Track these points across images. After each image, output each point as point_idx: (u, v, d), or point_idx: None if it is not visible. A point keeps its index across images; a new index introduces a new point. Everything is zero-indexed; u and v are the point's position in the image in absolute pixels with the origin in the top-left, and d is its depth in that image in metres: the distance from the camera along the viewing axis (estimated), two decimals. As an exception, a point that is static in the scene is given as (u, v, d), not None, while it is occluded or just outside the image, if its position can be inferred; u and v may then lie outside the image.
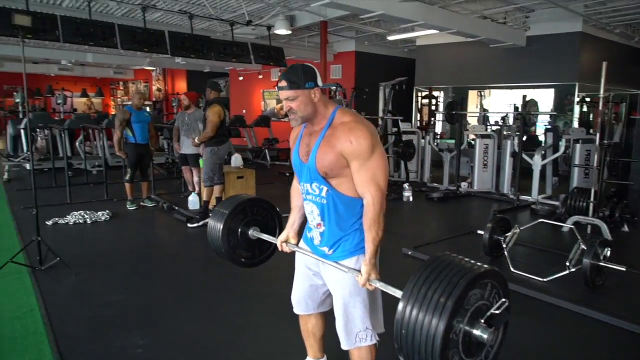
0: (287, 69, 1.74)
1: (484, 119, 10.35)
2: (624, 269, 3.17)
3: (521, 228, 3.85)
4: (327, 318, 2.03)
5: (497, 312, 1.32)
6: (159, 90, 17.39)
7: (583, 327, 2.88)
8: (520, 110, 6.16)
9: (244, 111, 14.50)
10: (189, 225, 5.08)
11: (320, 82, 1.74)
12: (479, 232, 4.00)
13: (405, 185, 6.68)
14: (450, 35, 8.69)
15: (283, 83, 1.71)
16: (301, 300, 2.04)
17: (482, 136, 7.17)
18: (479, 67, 10.01)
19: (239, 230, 2.19)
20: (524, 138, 6.39)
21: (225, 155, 5.28)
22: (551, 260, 3.87)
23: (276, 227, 2.31)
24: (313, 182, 1.77)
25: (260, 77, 14.13)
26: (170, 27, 9.42)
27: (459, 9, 8.14)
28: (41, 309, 2.93)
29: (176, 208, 5.73)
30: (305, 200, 1.86)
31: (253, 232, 2.20)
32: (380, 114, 8.16)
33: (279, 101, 14.35)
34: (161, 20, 9.73)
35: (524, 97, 6.03)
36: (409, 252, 4.15)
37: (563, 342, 2.73)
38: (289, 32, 8.94)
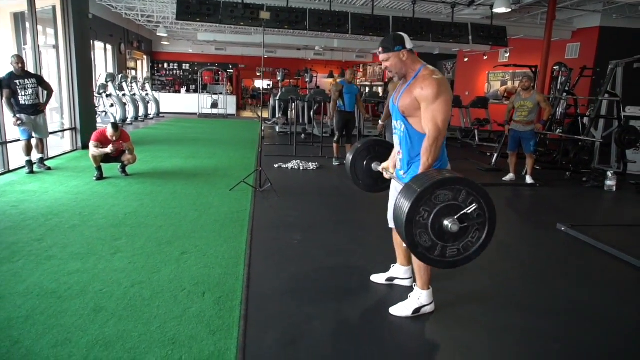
0: (382, 38, 2.41)
1: None
2: None
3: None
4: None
5: (468, 211, 1.76)
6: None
7: None
8: None
9: (467, 93, 14.53)
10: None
11: (408, 45, 2.34)
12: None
13: (609, 174, 6.00)
14: None
15: (380, 49, 2.38)
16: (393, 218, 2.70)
17: None
18: None
19: (364, 163, 2.99)
20: None
21: None
22: None
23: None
24: (397, 120, 2.40)
25: (485, 57, 13.86)
26: (396, 12, 10.38)
27: None
28: (251, 210, 4.39)
29: (368, 168, 6.78)
30: (393, 134, 2.50)
31: (375, 165, 2.96)
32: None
33: (503, 83, 13.81)
34: (388, 6, 10.77)
35: None
36: (563, 229, 4.08)
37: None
38: (509, 10, 8.70)
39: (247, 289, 2.68)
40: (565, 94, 8.44)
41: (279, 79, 14.11)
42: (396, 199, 1.92)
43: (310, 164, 6.89)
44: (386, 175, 2.67)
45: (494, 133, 11.09)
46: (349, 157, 3.01)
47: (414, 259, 2.45)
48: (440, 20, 9.81)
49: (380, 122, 6.02)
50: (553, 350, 2.24)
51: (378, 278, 2.90)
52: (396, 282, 2.85)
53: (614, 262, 3.46)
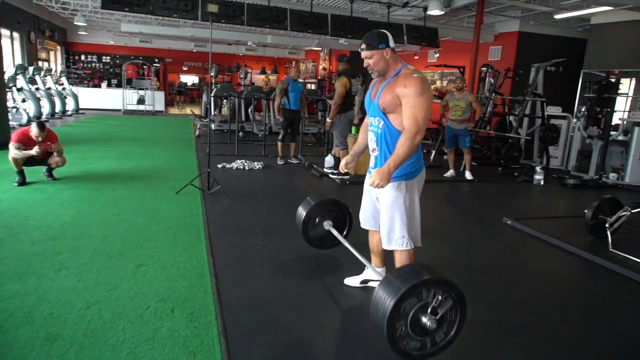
0: (366, 35, 2.36)
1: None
2: None
3: (632, 211, 3.71)
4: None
5: (436, 305, 1.86)
6: (324, 69, 19.00)
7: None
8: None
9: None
10: (330, 176, 6.04)
11: (391, 44, 2.32)
12: (585, 211, 3.96)
13: (537, 168, 6.50)
14: (633, 12, 7.77)
15: (363, 46, 2.34)
16: (366, 218, 2.66)
17: (642, 124, 6.44)
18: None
19: (317, 219, 3.11)
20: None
21: (351, 121, 6.01)
22: (665, 249, 3.64)
23: (346, 227, 3.18)
24: (375, 116, 2.36)
25: (416, 57, 14.42)
26: (333, 10, 10.42)
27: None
28: (203, 214, 4.14)
29: (314, 166, 6.74)
30: (369, 130, 2.46)
31: (326, 225, 3.00)
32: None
33: (432, 82, 14.45)
34: (326, 4, 10.80)
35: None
36: (508, 222, 4.33)
37: (633, 316, 2.77)
38: (442, 12, 9.10)
39: (219, 302, 2.50)
40: (494, 94, 9.00)
41: (212, 74, 13.58)
42: (375, 295, 1.95)
43: (255, 163, 6.70)
44: (345, 169, 2.62)
45: (428, 130, 11.58)
46: (302, 212, 3.11)
47: (397, 258, 2.43)
48: (376, 20, 10.02)
49: (328, 119, 5.99)
50: (513, 343, 2.34)
51: (352, 281, 2.86)
52: (371, 284, 2.82)
53: (558, 252, 3.72)
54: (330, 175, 6.07)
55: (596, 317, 2.67)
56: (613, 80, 8.47)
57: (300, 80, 7.58)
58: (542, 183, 6.42)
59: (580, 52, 10.23)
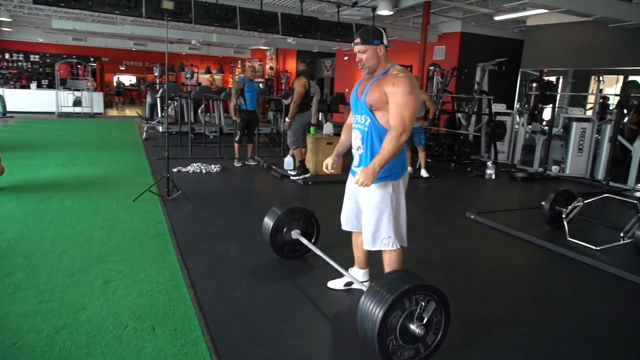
0: (360, 30, 2.34)
1: (602, 106, 9.65)
2: (678, 243, 3.21)
3: (585, 201, 3.96)
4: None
5: (420, 310, 1.89)
6: (271, 68, 18.81)
7: (629, 291, 3.06)
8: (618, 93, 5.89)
9: (346, 90, 15.16)
10: (292, 178, 5.96)
11: (385, 42, 2.30)
12: (542, 203, 4.18)
13: (489, 163, 6.80)
14: (564, 15, 8.32)
15: (357, 40, 2.31)
16: (349, 220, 2.62)
17: (580, 120, 6.92)
18: (595, 49, 9.36)
19: (284, 229, 3.07)
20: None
21: (308, 122, 5.97)
22: (610, 234, 3.91)
23: (314, 233, 3.18)
24: (362, 114, 2.34)
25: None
26: (283, 9, 10.31)
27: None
28: (167, 222, 3.92)
29: (274, 167, 6.63)
30: (353, 128, 2.43)
31: (294, 234, 2.97)
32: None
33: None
34: (275, 3, 10.67)
35: (625, 78, 5.76)
36: (472, 217, 4.48)
37: (609, 300, 2.94)
38: (391, 12, 9.28)
39: (203, 316, 2.37)
40: (444, 92, 9.31)
41: (156, 74, 13.00)
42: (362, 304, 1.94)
43: (212, 166, 6.47)
44: (329, 169, 2.55)
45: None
46: (269, 222, 3.07)
47: (386, 259, 2.42)
48: (326, 20, 10.03)
49: (287, 119, 5.89)
50: (494, 334, 2.41)
51: (336, 284, 2.81)
52: (355, 286, 2.80)
53: (521, 243, 3.89)
54: (292, 177, 6.00)
55: (564, 302, 2.81)
56: (547, 78, 9.05)
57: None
58: (493, 177, 6.72)
59: (517, 52, 10.84)
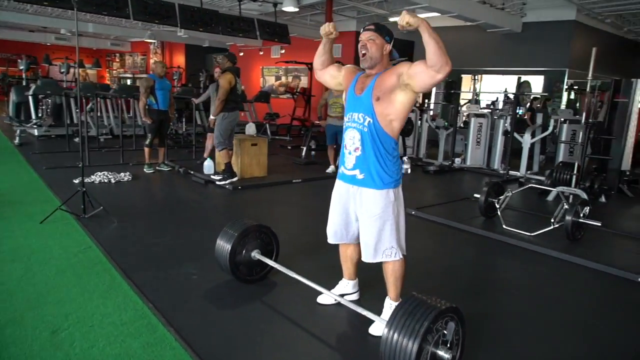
0: (376, 22, 2.24)
1: (476, 102, 10.82)
2: (599, 224, 3.71)
3: (513, 192, 4.36)
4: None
5: (446, 332, 1.83)
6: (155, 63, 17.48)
7: (559, 267, 3.44)
8: (514, 91, 6.62)
9: (243, 87, 14.75)
10: (218, 182, 5.53)
11: (391, 44, 2.23)
12: (475, 195, 4.50)
13: (405, 158, 7.16)
14: (448, 19, 9.07)
15: (371, 27, 2.20)
16: (338, 232, 2.48)
17: (477, 116, 7.65)
18: (475, 51, 10.43)
19: (243, 251, 2.76)
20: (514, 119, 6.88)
21: (236, 122, 5.63)
22: (537, 220, 4.39)
23: (274, 250, 2.92)
24: (360, 112, 2.21)
25: (261, 53, 14.34)
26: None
27: (460, -8, 8.52)
28: (98, 246, 3.34)
29: (192, 172, 6.12)
30: (348, 128, 2.28)
31: (255, 254, 2.75)
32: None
33: (277, 78, 14.63)
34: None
35: (519, 78, 6.50)
36: (413, 212, 4.64)
37: (548, 279, 3.26)
38: (297, 9, 9.20)
39: (197, 357, 2.04)
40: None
41: (21, 67, 11.12)
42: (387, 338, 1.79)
43: (121, 174, 5.72)
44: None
45: (281, 126, 11.68)
46: (226, 245, 2.73)
47: (389, 270, 2.34)
48: (229, 14, 9.60)
49: (211, 117, 5.43)
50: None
51: (326, 299, 2.65)
52: (346, 297, 2.67)
53: (463, 234, 4.14)
54: (218, 182, 5.58)
55: (515, 284, 3.06)
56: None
57: (129, 75, 6.76)
58: (409, 172, 7.09)
59: (410, 52, 11.59)
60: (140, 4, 7.86)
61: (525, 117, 8.30)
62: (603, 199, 5.47)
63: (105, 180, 5.52)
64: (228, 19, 9.23)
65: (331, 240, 2.53)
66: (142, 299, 2.56)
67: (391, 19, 10.71)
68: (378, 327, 2.31)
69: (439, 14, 8.76)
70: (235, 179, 5.61)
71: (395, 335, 1.77)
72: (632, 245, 3.99)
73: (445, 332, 1.82)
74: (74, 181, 5.34)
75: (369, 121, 2.19)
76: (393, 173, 2.26)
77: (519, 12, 9.59)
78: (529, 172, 7.03)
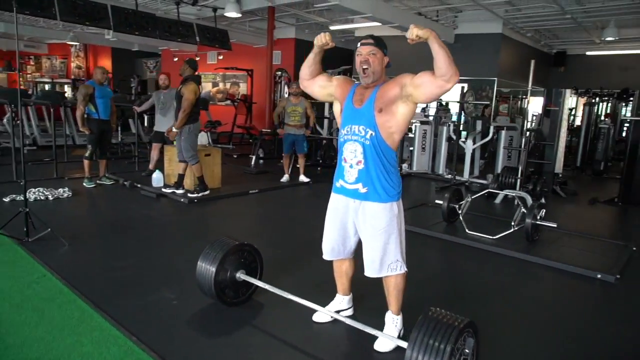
0: (372, 35, 2.18)
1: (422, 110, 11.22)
2: (555, 225, 3.99)
3: (472, 197, 4.57)
4: (357, 261, 2.45)
5: (467, 350, 1.84)
6: (78, 67, 16.24)
7: (525, 268, 3.65)
8: (458, 100, 6.98)
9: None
10: (190, 196, 5.22)
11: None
12: (437, 201, 4.65)
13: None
14: (386, 28, 9.34)
15: (370, 40, 2.16)
16: (335, 248, 2.42)
17: (422, 122, 7.95)
18: (411, 60, 10.81)
19: (228, 273, 2.61)
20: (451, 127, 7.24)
21: (198, 132, 5.40)
22: (496, 224, 4.62)
23: (258, 268, 2.79)
24: (361, 124, 2.16)
25: (197, 59, 13.80)
26: (114, 1, 8.98)
27: (398, 4, 8.86)
28: (53, 274, 2.98)
29: (139, 186, 5.73)
30: (348, 141, 2.21)
31: (240, 275, 2.63)
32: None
33: (214, 85, 14.22)
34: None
35: (462, 87, 6.86)
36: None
37: (518, 279, 3.44)
38: (239, 15, 9.01)
39: (206, 394, 1.87)
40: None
41: None
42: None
43: (60, 190, 5.20)
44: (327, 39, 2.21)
45: (222, 134, 11.35)
46: (210, 268, 2.55)
47: (392, 283, 2.32)
48: (166, 17, 9.16)
49: (174, 129, 5.06)
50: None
51: (322, 317, 2.56)
52: (341, 313, 2.61)
53: (429, 239, 4.24)
54: (172, 195, 5.27)
55: (491, 287, 3.20)
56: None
57: (47, 79, 6.26)
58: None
59: (350, 60, 11.81)
60: (69, 4, 7.26)
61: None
62: (543, 200, 5.91)
63: (42, 198, 4.99)
64: (166, 23, 8.81)
65: (327, 257, 2.47)
66: (122, 332, 2.31)
67: (332, 27, 10.87)
68: (384, 343, 2.28)
69: (378, 24, 9.02)
70: (207, 192, 5.35)
71: (420, 358, 1.74)
72: (584, 244, 4.31)
73: (466, 350, 1.83)
74: (4, 199, 4.79)
75: (371, 134, 2.16)
76: (396, 185, 2.25)
77: (452, 25, 10.18)
78: (471, 176, 7.42)
